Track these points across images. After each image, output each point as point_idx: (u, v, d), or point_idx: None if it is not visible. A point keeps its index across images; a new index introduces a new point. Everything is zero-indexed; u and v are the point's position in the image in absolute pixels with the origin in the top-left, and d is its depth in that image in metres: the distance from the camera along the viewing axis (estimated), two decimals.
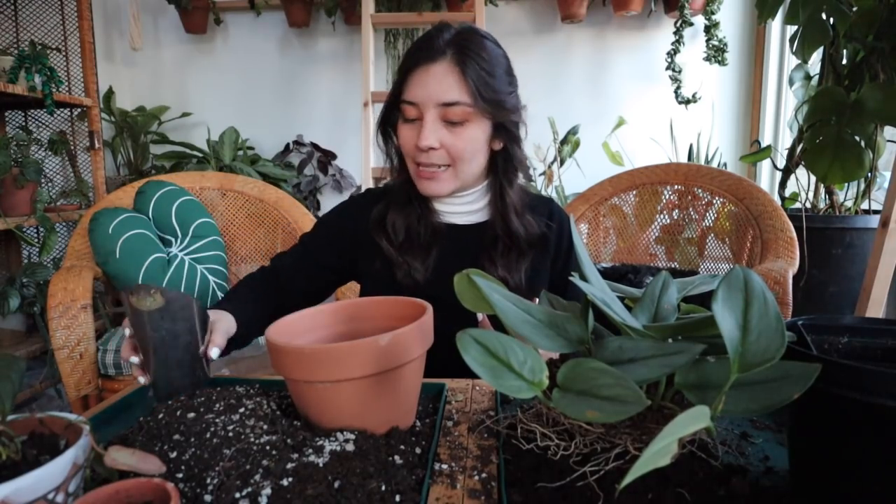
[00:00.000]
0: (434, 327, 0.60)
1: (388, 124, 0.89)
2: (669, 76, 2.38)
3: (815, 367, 0.38)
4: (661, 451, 0.30)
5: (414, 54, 0.81)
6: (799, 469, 0.46)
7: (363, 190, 1.03)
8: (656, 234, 1.66)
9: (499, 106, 0.81)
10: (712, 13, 2.32)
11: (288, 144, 2.77)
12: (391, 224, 0.88)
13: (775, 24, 2.47)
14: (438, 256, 0.88)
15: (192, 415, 0.53)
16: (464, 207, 0.90)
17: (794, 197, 2.04)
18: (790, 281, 1.17)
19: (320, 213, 2.79)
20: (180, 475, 0.46)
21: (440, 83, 0.78)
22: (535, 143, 2.49)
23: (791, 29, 1.85)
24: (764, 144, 2.42)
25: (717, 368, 0.44)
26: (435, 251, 0.88)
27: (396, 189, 0.91)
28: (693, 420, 0.33)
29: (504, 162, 0.87)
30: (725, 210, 1.53)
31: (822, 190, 1.98)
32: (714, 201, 1.55)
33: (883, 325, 0.50)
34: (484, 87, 0.78)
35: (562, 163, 2.51)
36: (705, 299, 0.48)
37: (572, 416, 0.43)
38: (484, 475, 0.50)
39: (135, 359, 0.64)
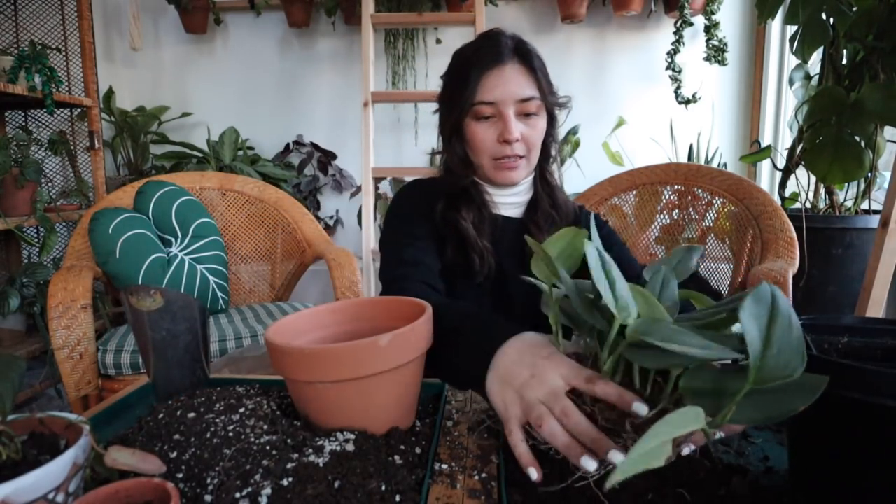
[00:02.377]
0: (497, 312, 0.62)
1: (453, 126, 0.92)
2: (669, 76, 2.38)
3: (823, 378, 0.37)
4: (653, 453, 0.30)
5: (480, 59, 0.87)
6: (799, 469, 0.46)
7: (409, 182, 1.05)
8: (656, 234, 1.66)
9: (554, 95, 0.93)
10: (712, 13, 2.32)
11: (288, 144, 2.77)
12: (464, 212, 0.92)
13: (775, 24, 2.47)
14: (500, 243, 0.95)
15: (192, 415, 0.53)
16: (516, 199, 0.97)
17: (794, 197, 2.04)
18: (790, 281, 1.17)
19: (320, 213, 2.79)
20: (180, 475, 0.46)
21: (516, 82, 0.86)
22: None
23: (791, 29, 1.85)
24: (764, 144, 2.42)
25: (728, 376, 0.43)
26: (499, 238, 0.95)
27: (452, 184, 0.95)
28: (686, 421, 0.32)
29: (546, 147, 0.97)
30: (725, 210, 1.53)
31: (822, 190, 1.98)
32: (714, 201, 1.55)
33: (883, 325, 0.50)
34: (545, 81, 0.90)
35: (562, 163, 2.51)
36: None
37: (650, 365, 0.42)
38: (484, 475, 0.50)
39: (534, 472, 0.45)
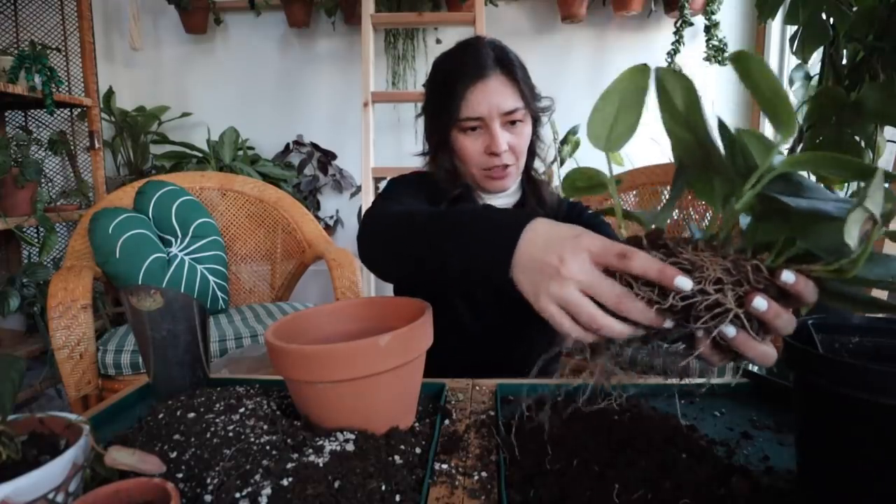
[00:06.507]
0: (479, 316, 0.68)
1: (439, 138, 0.93)
2: None
3: None
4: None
5: (463, 73, 0.87)
6: (807, 469, 0.46)
7: (418, 171, 1.05)
8: None
9: (537, 100, 0.93)
10: (712, 13, 2.32)
11: (288, 144, 2.77)
12: None
13: (775, 24, 2.47)
14: None
15: (192, 415, 0.53)
16: (506, 200, 0.98)
17: None
18: None
19: (320, 213, 2.78)
20: (180, 475, 0.46)
21: (500, 95, 0.86)
22: None
23: (791, 29, 1.85)
24: None
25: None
26: None
27: (446, 191, 0.95)
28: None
29: (532, 147, 0.97)
30: None
31: None
32: None
33: (893, 325, 0.49)
34: (528, 89, 0.90)
35: (562, 163, 2.51)
36: None
37: None
38: (484, 475, 0.50)
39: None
